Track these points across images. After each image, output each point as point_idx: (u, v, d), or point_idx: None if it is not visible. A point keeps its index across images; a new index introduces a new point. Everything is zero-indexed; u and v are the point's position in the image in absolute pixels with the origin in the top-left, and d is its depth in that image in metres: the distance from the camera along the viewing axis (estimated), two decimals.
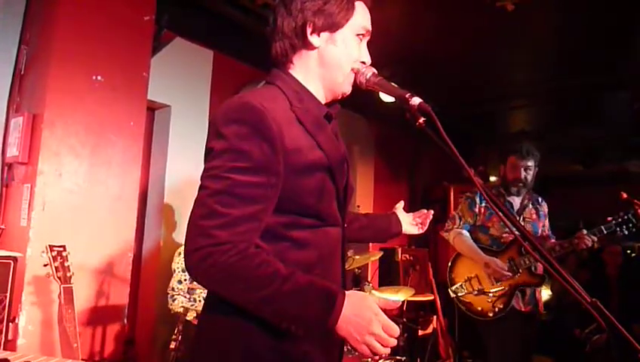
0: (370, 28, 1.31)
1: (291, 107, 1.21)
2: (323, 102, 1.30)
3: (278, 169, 1.12)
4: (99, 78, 2.94)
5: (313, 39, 1.24)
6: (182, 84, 3.74)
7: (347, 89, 1.31)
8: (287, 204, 1.16)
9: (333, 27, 1.24)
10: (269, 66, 1.34)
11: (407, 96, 1.18)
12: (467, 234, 3.20)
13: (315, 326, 1.09)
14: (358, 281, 3.48)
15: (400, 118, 1.30)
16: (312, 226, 1.21)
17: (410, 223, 1.82)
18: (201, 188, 1.12)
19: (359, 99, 2.72)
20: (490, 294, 3.04)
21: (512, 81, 5.16)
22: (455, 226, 3.23)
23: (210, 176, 1.10)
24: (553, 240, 3.18)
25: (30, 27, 2.93)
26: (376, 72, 1.29)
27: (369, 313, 1.08)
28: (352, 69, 1.27)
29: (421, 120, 1.17)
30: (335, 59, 1.26)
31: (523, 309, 3.04)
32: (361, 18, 1.28)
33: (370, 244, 4.93)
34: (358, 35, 1.28)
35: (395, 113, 3.83)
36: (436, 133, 1.14)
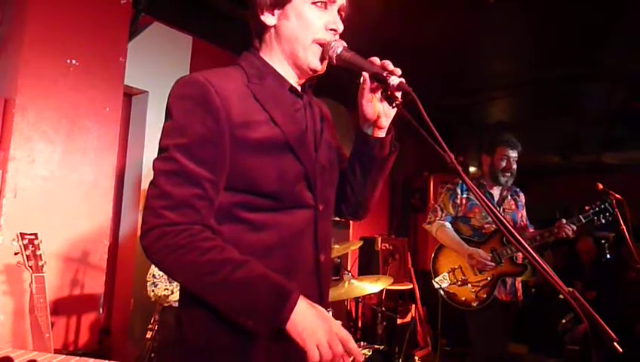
0: None
1: (248, 83, 1.19)
2: (295, 80, 1.26)
3: (223, 142, 1.10)
4: (73, 62, 2.86)
5: (266, 19, 1.23)
6: (160, 70, 3.66)
7: (314, 63, 1.22)
8: (239, 183, 1.13)
9: (279, 3, 1.21)
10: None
11: (384, 74, 1.12)
12: (449, 226, 3.22)
13: (265, 320, 1.01)
14: (337, 270, 3.48)
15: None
16: (271, 208, 1.15)
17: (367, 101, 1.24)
18: (153, 168, 1.10)
19: (339, 86, 2.70)
20: (474, 284, 3.08)
21: (491, 73, 5.17)
22: (437, 218, 3.25)
23: (161, 157, 1.10)
24: (532, 230, 3.23)
25: (1, 9, 2.82)
26: (346, 45, 1.20)
27: (327, 317, 1.05)
28: (315, 40, 1.20)
29: (399, 101, 1.14)
30: (290, 34, 1.21)
31: (504, 298, 3.08)
32: None
33: (351, 233, 4.95)
34: (314, 3, 1.20)
35: None
36: (415, 116, 1.09)
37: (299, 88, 1.27)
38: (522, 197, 3.33)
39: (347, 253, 4.49)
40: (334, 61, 1.20)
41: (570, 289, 0.95)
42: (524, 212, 3.32)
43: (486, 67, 5.03)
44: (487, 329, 3.05)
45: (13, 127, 2.63)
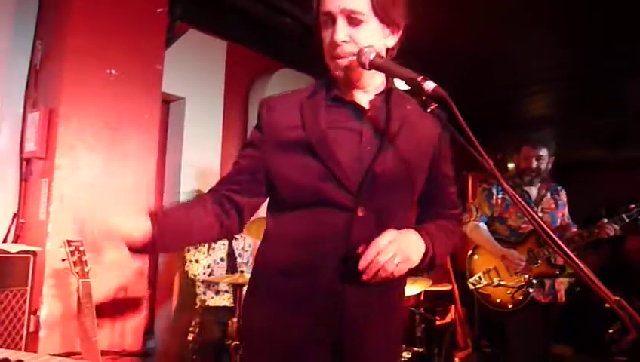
0: (330, 8, 1.22)
1: (304, 98, 1.31)
2: (348, 89, 1.31)
3: (257, 142, 1.33)
4: (113, 71, 2.94)
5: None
6: (196, 76, 3.73)
7: (339, 74, 1.27)
8: (274, 179, 1.30)
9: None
10: (288, 57, 1.42)
11: (419, 79, 1.12)
12: (484, 226, 3.17)
13: None
14: None
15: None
16: (291, 207, 1.27)
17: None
18: None
19: None
20: (509, 286, 3.01)
21: (531, 66, 5.05)
22: (472, 219, 3.20)
23: None
24: (574, 229, 3.13)
25: (44, 22, 2.93)
26: (380, 52, 1.23)
27: None
28: (330, 58, 1.26)
29: (433, 105, 1.13)
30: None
31: (543, 300, 3.01)
32: (319, 4, 1.26)
33: None
34: (322, 20, 1.25)
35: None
36: (452, 120, 1.09)
37: (346, 97, 1.31)
38: (563, 196, 3.23)
39: None
40: (367, 67, 1.20)
41: (617, 297, 0.91)
42: (565, 211, 3.22)
43: (526, 60, 4.91)
44: (526, 331, 2.99)
45: (57, 136, 2.73)
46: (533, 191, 3.17)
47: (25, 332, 2.36)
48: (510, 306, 3.01)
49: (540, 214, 3.09)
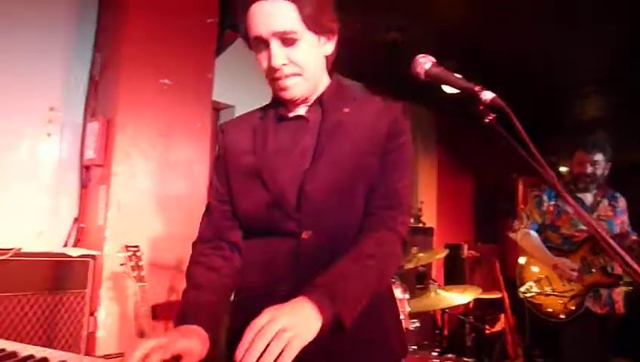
0: (260, 32, 1.14)
1: (258, 118, 1.29)
2: (293, 106, 1.25)
3: (221, 171, 1.30)
4: (166, 81, 3.04)
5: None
6: (245, 84, 3.80)
7: (282, 95, 1.21)
8: (233, 208, 1.27)
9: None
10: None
11: (476, 89, 1.08)
12: (535, 234, 3.08)
13: None
14: (421, 279, 3.42)
15: (465, 105, 1.23)
16: (250, 234, 1.26)
17: None
18: None
19: (419, 87, 2.67)
20: (561, 295, 2.92)
21: (587, 67, 4.88)
22: (522, 226, 3.12)
23: None
24: (634, 237, 2.99)
25: (103, 35, 3.07)
26: (435, 61, 1.18)
27: None
28: (272, 77, 1.19)
29: (491, 116, 1.11)
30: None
31: (599, 311, 2.89)
32: (247, 28, 1.16)
33: (434, 241, 4.85)
34: (253, 44, 1.18)
35: (459, 100, 3.73)
36: (510, 131, 1.07)
37: (290, 114, 1.25)
38: (622, 203, 3.09)
39: (432, 261, 4.41)
40: (422, 76, 1.18)
41: None
42: (624, 218, 3.09)
43: (579, 60, 4.75)
44: (582, 342, 2.88)
45: (114, 144, 2.84)
46: (588, 197, 3.05)
47: (85, 332, 2.47)
48: (563, 316, 2.91)
49: (597, 221, 2.98)
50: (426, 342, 3.39)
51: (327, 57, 1.26)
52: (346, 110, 1.24)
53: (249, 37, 1.17)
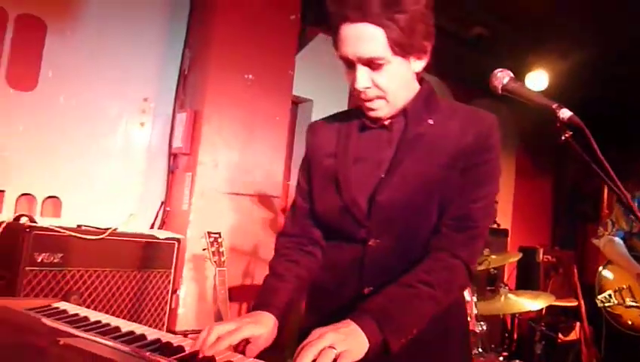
0: (346, 54, 1.13)
1: (344, 123, 1.31)
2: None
3: (307, 169, 1.34)
4: (250, 76, 3.19)
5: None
6: (324, 79, 3.88)
7: (365, 113, 1.22)
8: (313, 209, 1.32)
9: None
10: None
11: (554, 107, 1.09)
12: (620, 241, 2.95)
13: None
14: (492, 281, 3.38)
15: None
16: (327, 238, 1.31)
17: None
18: None
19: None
20: None
21: None
22: (607, 233, 3.00)
23: None
24: None
25: (192, 31, 3.26)
26: (513, 76, 1.19)
27: None
28: (356, 95, 1.20)
29: (568, 134, 1.11)
30: None
31: None
32: (336, 46, 1.17)
33: (509, 243, 4.73)
34: (341, 59, 1.17)
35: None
36: (587, 150, 1.07)
37: (374, 124, 1.25)
38: None
39: (504, 264, 4.31)
40: (499, 91, 1.20)
41: None
42: None
43: None
44: None
45: (201, 135, 3.03)
46: None
47: (167, 309, 2.67)
48: None
49: None
50: (493, 346, 3.35)
51: (417, 74, 1.23)
52: (430, 121, 1.22)
53: (338, 52, 1.17)
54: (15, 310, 1.14)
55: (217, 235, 2.31)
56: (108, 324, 1.12)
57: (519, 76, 1.22)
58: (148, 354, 0.90)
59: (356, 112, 1.28)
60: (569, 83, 4.49)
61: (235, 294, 3.14)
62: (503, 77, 1.20)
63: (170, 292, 2.68)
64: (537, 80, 4.46)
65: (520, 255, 3.50)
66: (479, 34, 4.16)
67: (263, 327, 1.12)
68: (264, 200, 3.26)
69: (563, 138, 1.11)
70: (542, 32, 4.10)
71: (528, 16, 3.93)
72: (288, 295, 1.25)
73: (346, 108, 1.44)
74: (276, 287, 1.25)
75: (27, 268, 2.16)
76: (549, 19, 3.89)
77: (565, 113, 1.08)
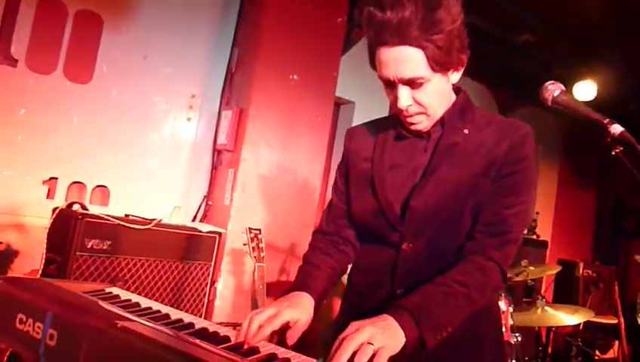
0: (387, 75, 1.16)
1: (382, 129, 1.35)
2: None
3: (344, 172, 1.40)
4: (295, 77, 3.24)
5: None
6: (366, 82, 3.89)
7: (408, 126, 1.26)
8: (349, 211, 1.38)
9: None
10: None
11: (605, 122, 1.10)
12: None
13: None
14: (529, 293, 3.33)
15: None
16: (363, 240, 1.36)
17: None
18: None
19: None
20: None
21: None
22: None
23: None
24: None
25: (241, 31, 3.33)
26: (564, 89, 1.20)
27: None
28: (397, 112, 1.23)
29: (619, 149, 1.11)
30: None
31: None
32: (376, 68, 1.20)
33: (547, 255, 4.63)
34: (381, 79, 1.20)
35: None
36: (636, 166, 1.06)
37: (411, 133, 1.28)
38: None
39: (542, 276, 4.23)
40: (550, 103, 1.21)
41: None
42: None
43: None
44: None
45: (245, 132, 3.10)
46: None
47: (206, 300, 2.75)
48: None
49: None
50: (527, 358, 3.30)
51: (453, 85, 1.28)
52: (466, 131, 1.25)
53: (378, 73, 1.21)
54: (73, 292, 1.21)
55: (258, 231, 2.37)
56: (159, 311, 1.18)
57: (566, 86, 1.21)
58: (198, 341, 0.95)
59: (394, 120, 1.32)
60: (618, 94, 4.37)
61: (272, 289, 3.19)
62: (554, 89, 1.20)
63: (209, 284, 2.76)
64: (586, 90, 4.35)
65: (559, 268, 3.44)
66: (526, 40, 4.10)
67: (302, 311, 1.17)
68: (303, 199, 3.31)
69: (613, 153, 1.10)
70: (591, 40, 4.01)
71: (577, 24, 3.85)
72: (324, 283, 1.31)
73: (387, 111, 1.47)
74: (313, 274, 1.31)
75: (78, 253, 2.25)
76: (599, 27, 3.80)
77: (617, 128, 1.08)
